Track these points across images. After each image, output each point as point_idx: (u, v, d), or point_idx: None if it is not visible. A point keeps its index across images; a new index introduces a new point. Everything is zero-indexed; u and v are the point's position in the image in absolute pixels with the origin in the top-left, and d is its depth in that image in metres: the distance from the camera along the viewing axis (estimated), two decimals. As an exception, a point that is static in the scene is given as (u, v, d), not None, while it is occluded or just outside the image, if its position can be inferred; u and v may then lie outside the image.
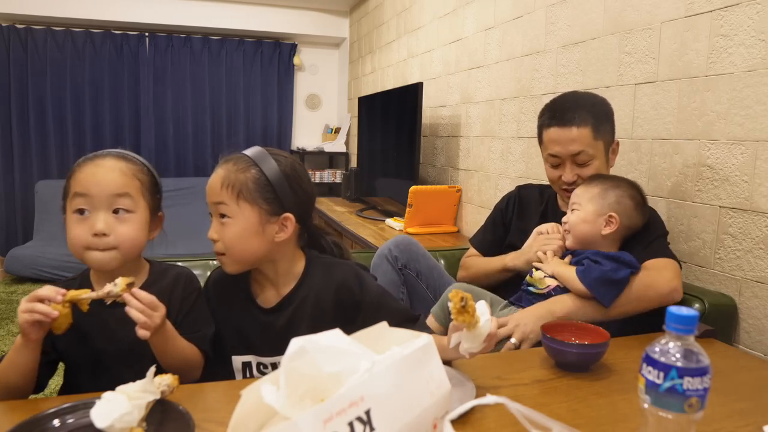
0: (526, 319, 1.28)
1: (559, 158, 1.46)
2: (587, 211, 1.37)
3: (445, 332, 1.39)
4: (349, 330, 0.67)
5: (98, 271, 1.07)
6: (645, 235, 1.39)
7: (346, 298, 1.11)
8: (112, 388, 0.78)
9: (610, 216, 1.35)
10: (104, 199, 1.01)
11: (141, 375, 0.80)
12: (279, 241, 1.08)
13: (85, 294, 0.90)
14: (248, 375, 1.14)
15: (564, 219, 1.43)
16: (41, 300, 0.88)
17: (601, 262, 1.29)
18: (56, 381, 1.14)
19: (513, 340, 1.26)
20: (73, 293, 0.89)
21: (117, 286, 0.91)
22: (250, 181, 1.05)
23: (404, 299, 1.66)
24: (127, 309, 0.91)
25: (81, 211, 1.01)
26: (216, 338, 1.12)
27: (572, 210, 1.41)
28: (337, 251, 1.23)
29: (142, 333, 0.92)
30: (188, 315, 1.09)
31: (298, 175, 1.10)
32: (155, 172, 1.12)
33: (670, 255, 1.35)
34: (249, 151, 1.09)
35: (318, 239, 1.22)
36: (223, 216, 1.05)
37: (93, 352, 1.05)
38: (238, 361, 1.14)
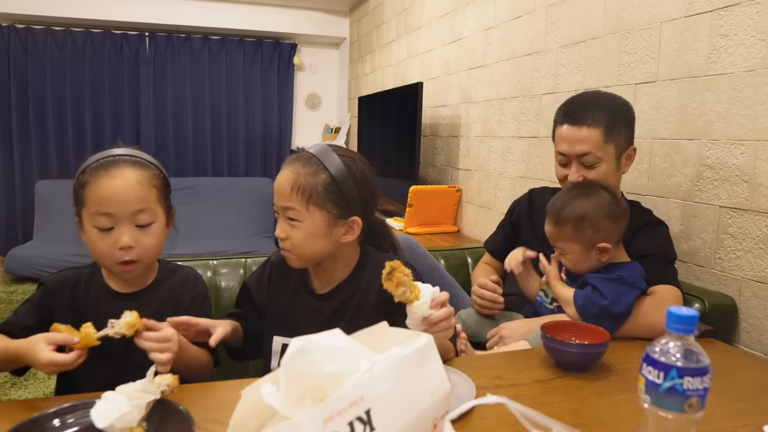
0: (513, 330, 1.33)
1: (567, 157, 1.43)
2: (575, 252, 1.30)
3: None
4: (390, 323, 0.70)
5: None
6: (659, 254, 1.35)
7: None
8: (110, 384, 0.78)
9: (599, 247, 1.28)
10: (127, 216, 1.03)
11: (139, 368, 0.82)
12: (344, 242, 1.11)
13: (96, 335, 0.91)
14: None
15: (555, 258, 1.38)
16: (61, 347, 0.90)
17: (603, 292, 1.23)
18: (55, 381, 1.14)
19: (496, 349, 1.32)
20: (86, 341, 0.90)
21: (121, 327, 0.91)
22: (320, 186, 1.06)
23: None
24: (152, 356, 0.93)
25: (106, 228, 1.03)
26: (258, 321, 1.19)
27: (561, 254, 1.34)
28: (392, 250, 1.27)
29: (164, 370, 0.92)
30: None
31: (366, 177, 1.11)
32: (164, 169, 1.14)
33: (677, 285, 1.32)
34: (317, 152, 1.09)
35: (379, 236, 1.25)
36: (292, 219, 1.07)
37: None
38: (278, 342, 1.17)
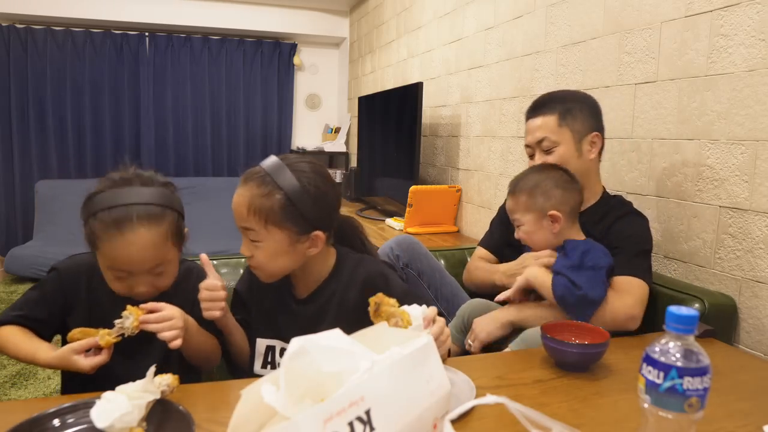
0: (483, 324, 1.38)
1: (532, 148, 1.53)
2: (528, 222, 1.38)
3: (461, 352, 1.44)
4: (370, 326, 0.70)
5: None
6: (629, 245, 1.36)
7: (370, 294, 1.12)
8: (126, 379, 0.79)
9: (550, 215, 1.35)
10: (143, 271, 1.04)
11: (148, 364, 0.83)
12: (311, 254, 1.12)
13: (114, 336, 0.97)
14: (270, 358, 1.17)
15: (516, 236, 1.43)
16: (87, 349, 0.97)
17: (575, 281, 1.25)
18: (56, 381, 1.15)
19: (468, 341, 1.39)
20: (108, 343, 0.97)
21: (129, 325, 0.97)
22: (276, 206, 1.04)
23: None
24: (161, 335, 0.98)
25: (122, 278, 1.04)
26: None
27: (517, 226, 1.42)
28: (362, 247, 1.27)
29: (175, 345, 0.98)
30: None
31: (321, 191, 1.09)
32: (179, 204, 1.11)
33: (643, 275, 1.33)
34: (270, 170, 1.07)
35: (349, 235, 1.26)
36: (253, 240, 1.07)
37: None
38: (262, 344, 1.18)
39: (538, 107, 1.52)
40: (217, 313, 1.06)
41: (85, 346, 0.96)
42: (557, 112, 1.47)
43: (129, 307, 0.98)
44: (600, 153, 1.52)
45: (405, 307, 0.96)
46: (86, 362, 0.96)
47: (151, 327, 0.97)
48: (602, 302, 1.26)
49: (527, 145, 1.54)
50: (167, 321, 0.98)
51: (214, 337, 1.13)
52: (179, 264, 1.17)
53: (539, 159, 1.49)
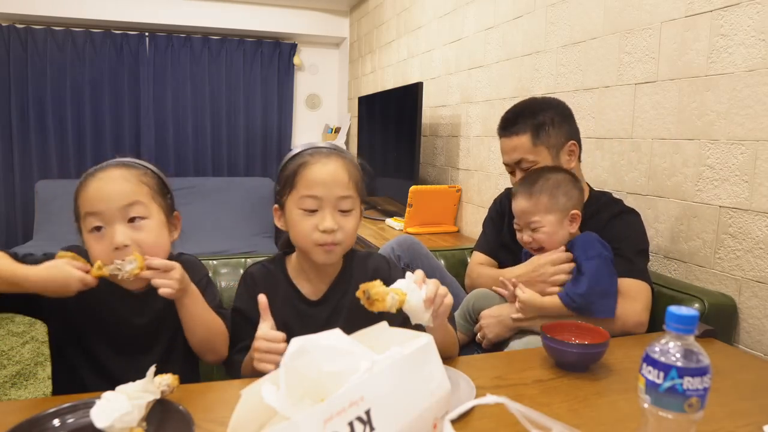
0: (488, 320, 1.39)
1: (510, 166, 1.53)
2: (551, 222, 1.35)
3: (469, 341, 1.44)
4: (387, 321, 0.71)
5: None
6: (628, 246, 1.37)
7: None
8: (122, 381, 0.79)
9: (573, 214, 1.36)
10: (116, 212, 1.02)
11: (148, 364, 0.83)
12: None
13: (107, 271, 0.98)
14: None
15: (525, 239, 1.40)
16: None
17: (579, 290, 1.26)
18: (55, 382, 1.14)
19: (478, 336, 1.41)
20: (99, 275, 0.98)
21: (129, 269, 0.97)
22: (361, 177, 1.12)
23: None
24: (153, 281, 0.98)
25: (97, 228, 1.02)
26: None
27: (532, 229, 1.37)
28: None
29: (165, 292, 0.98)
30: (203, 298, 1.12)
31: None
32: (161, 173, 1.13)
33: (645, 277, 1.35)
34: (337, 147, 1.13)
35: None
36: (345, 210, 1.09)
37: (109, 336, 1.08)
38: None
39: (509, 125, 1.50)
40: (271, 367, 0.96)
41: (77, 264, 0.97)
42: (529, 130, 1.45)
43: (136, 254, 0.98)
44: (579, 157, 1.53)
45: (393, 285, 0.94)
46: (79, 273, 0.95)
47: (146, 273, 0.98)
48: (616, 292, 1.28)
49: (506, 164, 1.54)
50: (166, 272, 0.99)
51: (221, 319, 1.11)
52: (172, 255, 1.15)
53: (520, 176, 1.49)
